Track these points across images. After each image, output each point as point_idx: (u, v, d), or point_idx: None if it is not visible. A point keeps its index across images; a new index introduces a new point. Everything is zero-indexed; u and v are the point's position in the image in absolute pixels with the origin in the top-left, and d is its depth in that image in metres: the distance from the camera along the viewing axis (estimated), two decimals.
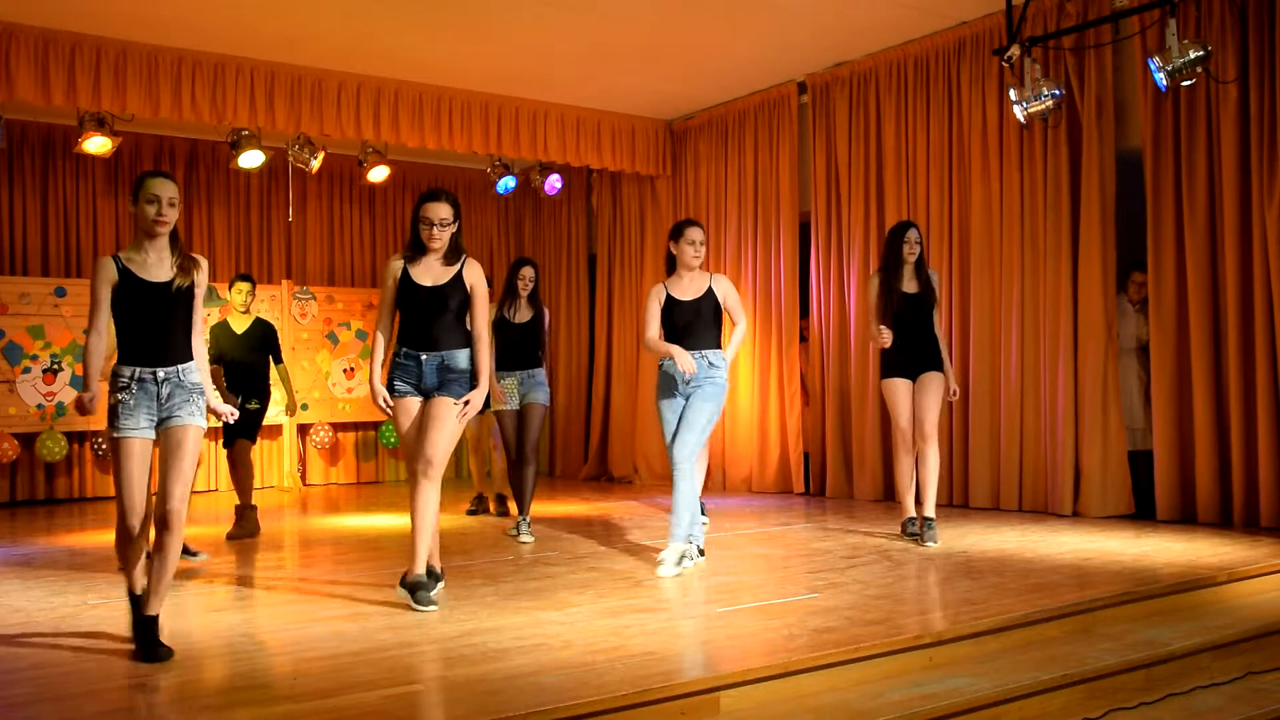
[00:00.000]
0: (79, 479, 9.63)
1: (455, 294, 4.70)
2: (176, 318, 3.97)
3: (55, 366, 9.27)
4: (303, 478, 10.60)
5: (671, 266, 5.67)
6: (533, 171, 10.64)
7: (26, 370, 9.16)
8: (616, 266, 10.86)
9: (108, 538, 7.04)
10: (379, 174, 9.96)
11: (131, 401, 3.88)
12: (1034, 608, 4.25)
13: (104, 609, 4.63)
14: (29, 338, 9.19)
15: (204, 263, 4.08)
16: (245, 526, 6.79)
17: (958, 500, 7.53)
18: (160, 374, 3.92)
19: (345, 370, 10.77)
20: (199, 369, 4.04)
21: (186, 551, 5.82)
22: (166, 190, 3.94)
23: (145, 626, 3.82)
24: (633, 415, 10.46)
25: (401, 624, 4.22)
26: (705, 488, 7.70)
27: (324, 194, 11.05)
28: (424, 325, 4.68)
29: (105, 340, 3.99)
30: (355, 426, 11.07)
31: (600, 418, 10.88)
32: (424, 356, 4.67)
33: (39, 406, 9.19)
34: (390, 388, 4.69)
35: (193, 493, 5.95)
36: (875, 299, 6.14)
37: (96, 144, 8.38)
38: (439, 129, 8.84)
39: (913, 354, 6.10)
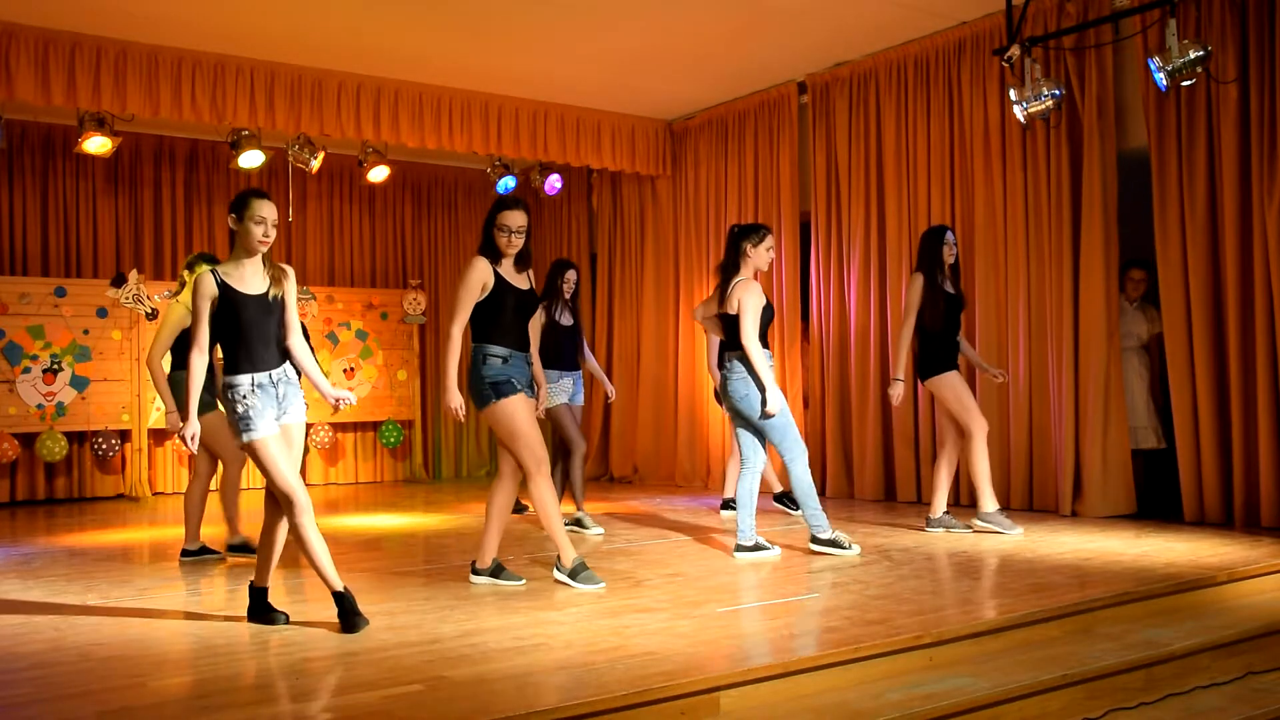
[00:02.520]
0: (79, 479, 9.62)
1: (536, 299, 4.99)
2: (275, 324, 4.21)
3: (55, 366, 9.27)
4: (302, 477, 10.59)
5: (734, 266, 5.64)
6: (533, 171, 10.64)
7: (26, 370, 9.16)
8: (617, 266, 10.86)
9: (108, 538, 7.05)
10: (379, 174, 9.96)
11: (260, 405, 4.13)
12: (1034, 608, 4.24)
13: (104, 609, 4.63)
14: (29, 338, 9.19)
15: (291, 271, 4.31)
16: None
17: (965, 500, 7.52)
18: (274, 375, 4.19)
19: (345, 370, 10.76)
20: (307, 366, 4.32)
21: (209, 551, 6.02)
22: (272, 212, 4.15)
23: (261, 596, 4.37)
24: (633, 416, 10.46)
25: (402, 624, 4.22)
26: (706, 488, 7.74)
27: (324, 194, 11.05)
28: (522, 328, 4.89)
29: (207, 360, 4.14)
30: (355, 427, 11.06)
31: (600, 418, 10.87)
32: (524, 357, 4.89)
33: (39, 406, 9.19)
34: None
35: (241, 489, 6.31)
36: (917, 301, 6.20)
37: (96, 144, 8.39)
38: (439, 129, 8.84)
39: (952, 355, 6.29)
